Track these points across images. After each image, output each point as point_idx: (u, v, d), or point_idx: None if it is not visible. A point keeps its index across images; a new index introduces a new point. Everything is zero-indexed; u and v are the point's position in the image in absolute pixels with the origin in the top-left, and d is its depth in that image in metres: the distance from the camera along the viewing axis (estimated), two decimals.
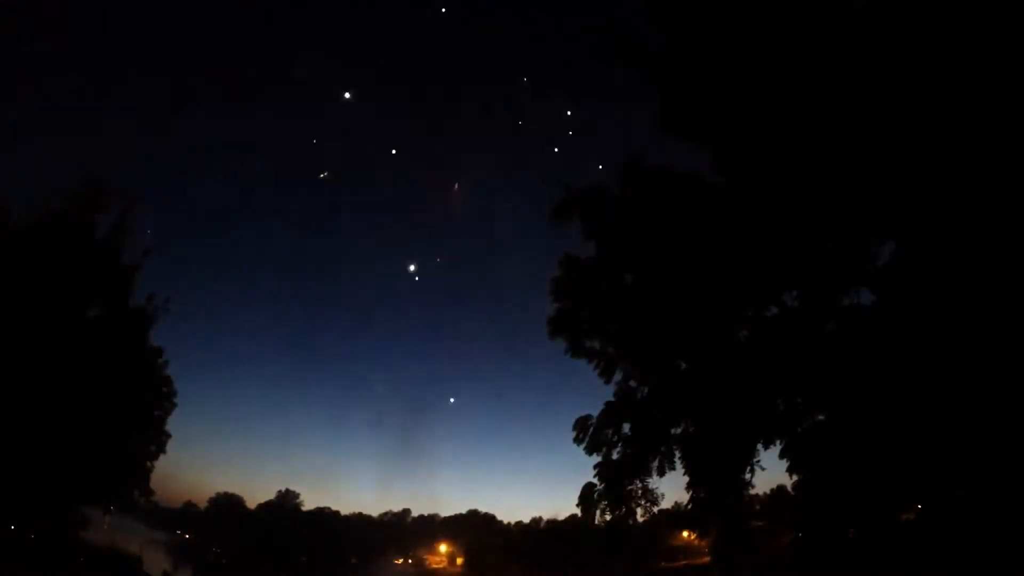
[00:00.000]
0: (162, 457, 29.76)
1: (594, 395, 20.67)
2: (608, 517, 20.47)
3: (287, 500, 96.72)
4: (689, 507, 19.02)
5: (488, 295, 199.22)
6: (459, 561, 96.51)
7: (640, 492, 20.11)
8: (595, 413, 20.12)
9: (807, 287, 16.42)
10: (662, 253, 17.50)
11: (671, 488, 20.44)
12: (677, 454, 19.04)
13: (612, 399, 20.00)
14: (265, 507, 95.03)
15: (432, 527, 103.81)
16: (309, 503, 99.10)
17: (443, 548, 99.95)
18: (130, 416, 27.10)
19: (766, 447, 17.40)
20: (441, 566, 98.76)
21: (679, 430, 19.00)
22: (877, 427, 14.04)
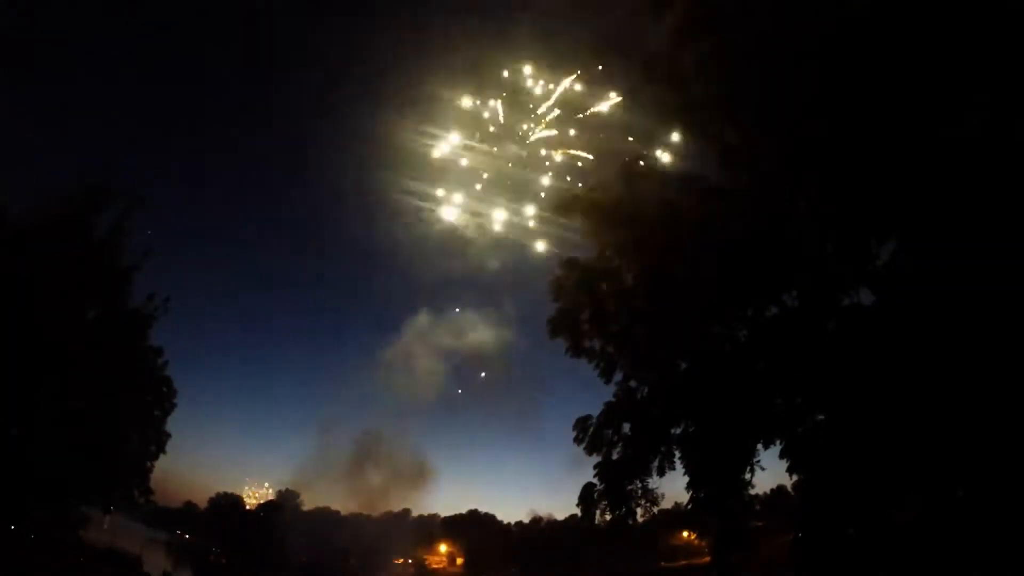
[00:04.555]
0: (162, 457, 29.78)
1: (594, 395, 20.72)
2: (608, 517, 20.45)
3: (287, 500, 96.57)
4: (689, 507, 19.01)
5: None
6: (459, 561, 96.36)
7: (640, 492, 20.11)
8: (595, 413, 20.17)
9: (807, 287, 16.40)
10: (662, 253, 17.51)
11: (671, 488, 20.44)
12: (677, 454, 19.04)
13: (612, 399, 20.04)
14: (265, 507, 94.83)
15: (432, 527, 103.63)
16: (309, 503, 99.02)
17: (443, 548, 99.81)
18: (130, 416, 27.10)
19: (766, 447, 17.40)
20: (441, 566, 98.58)
21: (679, 430, 19.00)
22: (876, 427, 14.02)
